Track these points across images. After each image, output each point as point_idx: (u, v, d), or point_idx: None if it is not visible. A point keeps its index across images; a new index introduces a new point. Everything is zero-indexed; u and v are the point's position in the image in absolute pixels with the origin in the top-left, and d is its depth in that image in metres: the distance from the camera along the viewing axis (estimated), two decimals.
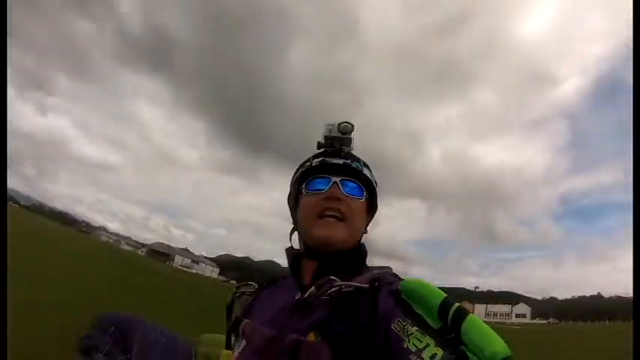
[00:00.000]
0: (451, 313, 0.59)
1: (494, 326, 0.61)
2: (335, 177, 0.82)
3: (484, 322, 0.60)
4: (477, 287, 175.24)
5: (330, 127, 0.86)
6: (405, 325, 0.62)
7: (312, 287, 0.71)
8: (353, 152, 0.88)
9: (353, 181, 0.83)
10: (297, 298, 0.77)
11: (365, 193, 0.85)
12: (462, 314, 0.59)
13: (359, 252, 0.85)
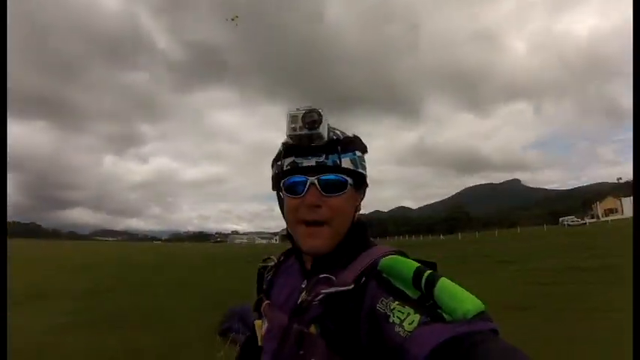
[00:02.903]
0: (423, 281, 0.63)
1: None
2: (311, 176, 0.77)
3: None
4: (620, 178, 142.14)
5: (294, 120, 0.76)
6: (387, 303, 0.65)
7: (304, 292, 0.77)
8: (330, 129, 0.79)
9: (332, 175, 0.77)
10: (303, 285, 0.81)
11: (348, 180, 0.79)
12: (432, 280, 0.63)
13: (353, 236, 0.82)
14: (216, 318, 5.56)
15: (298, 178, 0.78)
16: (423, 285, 0.63)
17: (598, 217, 66.59)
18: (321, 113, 0.75)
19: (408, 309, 0.62)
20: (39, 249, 39.36)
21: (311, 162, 0.77)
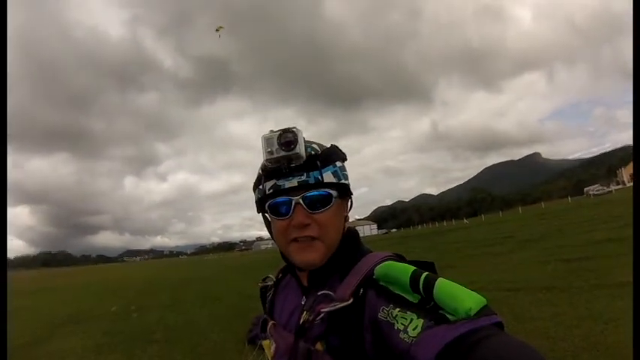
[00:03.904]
0: (421, 284, 0.64)
1: None
2: (295, 195, 0.76)
3: None
4: None
5: (269, 143, 0.75)
6: (389, 311, 0.66)
7: (305, 313, 0.78)
8: (307, 144, 0.79)
9: (316, 191, 0.77)
10: (302, 303, 0.84)
11: (333, 194, 0.78)
12: (430, 282, 0.63)
13: (345, 247, 0.83)
14: (244, 327, 5.64)
15: (282, 199, 0.77)
16: (421, 288, 0.63)
17: (624, 183, 64.44)
18: (296, 132, 0.74)
19: (410, 314, 0.62)
20: (70, 276, 40.66)
21: (293, 182, 0.76)
